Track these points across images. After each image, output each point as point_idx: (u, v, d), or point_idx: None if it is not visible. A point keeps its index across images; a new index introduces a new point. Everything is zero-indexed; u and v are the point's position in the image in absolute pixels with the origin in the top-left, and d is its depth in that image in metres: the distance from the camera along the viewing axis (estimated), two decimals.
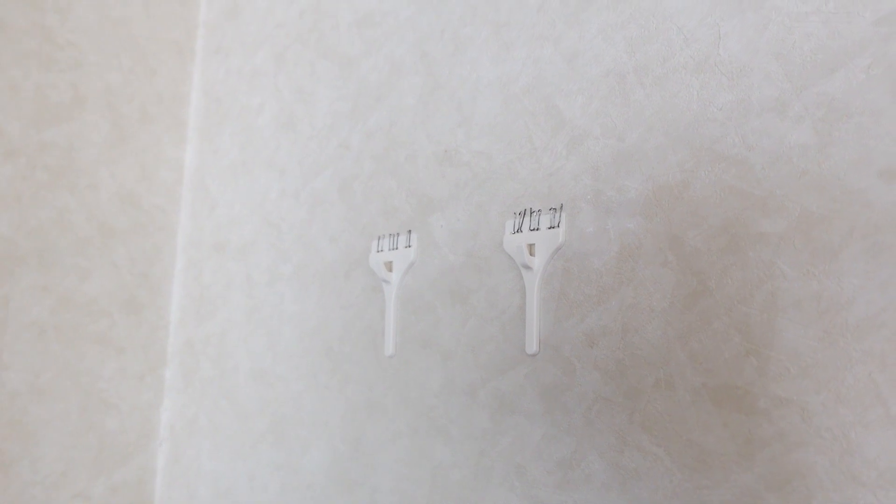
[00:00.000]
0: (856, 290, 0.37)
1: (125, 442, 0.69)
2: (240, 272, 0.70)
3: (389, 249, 0.58)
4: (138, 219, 0.73)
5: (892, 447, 0.36)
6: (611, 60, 0.48)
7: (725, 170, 0.42)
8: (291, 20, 0.73)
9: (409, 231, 0.58)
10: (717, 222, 0.42)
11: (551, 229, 0.49)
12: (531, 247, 0.49)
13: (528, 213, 0.51)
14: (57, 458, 0.66)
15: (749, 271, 0.41)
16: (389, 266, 0.58)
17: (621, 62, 0.47)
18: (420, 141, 0.59)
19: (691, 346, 0.42)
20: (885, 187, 0.37)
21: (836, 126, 0.39)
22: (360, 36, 0.65)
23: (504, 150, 0.53)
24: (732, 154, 0.42)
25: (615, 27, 0.48)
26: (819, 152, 0.39)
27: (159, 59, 0.78)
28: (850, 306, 0.37)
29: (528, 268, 0.49)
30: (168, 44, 0.79)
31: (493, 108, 0.54)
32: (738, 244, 0.41)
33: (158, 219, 0.74)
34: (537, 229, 0.50)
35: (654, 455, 0.42)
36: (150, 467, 0.71)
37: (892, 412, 0.36)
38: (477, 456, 0.49)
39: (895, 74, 0.38)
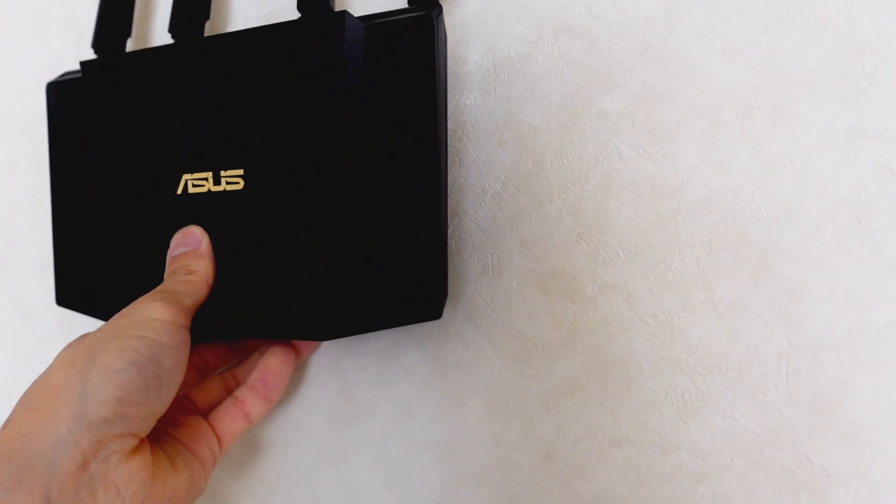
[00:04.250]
0: (690, 171, 0.36)
1: None
2: (28, 150, 0.60)
3: None
4: None
5: (712, 332, 0.35)
6: None
7: (569, 42, 0.39)
8: None
9: None
10: (557, 98, 0.39)
11: None
12: None
13: None
14: None
15: (586, 151, 0.38)
16: None
17: None
18: None
19: (521, 230, 0.39)
20: (726, 64, 0.35)
21: None
22: None
23: None
24: (577, 25, 0.39)
25: None
26: (665, 25, 0.37)
27: None
28: (684, 189, 0.36)
29: None
30: None
31: None
32: (576, 122, 0.38)
33: None
34: None
35: (476, 345, 0.40)
36: None
37: (716, 297, 0.35)
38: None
39: None
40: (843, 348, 0.32)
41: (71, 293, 0.47)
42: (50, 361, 0.55)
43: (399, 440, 0.41)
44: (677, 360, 0.35)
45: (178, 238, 0.40)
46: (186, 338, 0.35)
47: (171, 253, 0.40)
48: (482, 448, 0.39)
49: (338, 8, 0.45)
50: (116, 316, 0.34)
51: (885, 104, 0.32)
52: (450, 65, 0.42)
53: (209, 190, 0.39)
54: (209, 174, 0.39)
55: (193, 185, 0.40)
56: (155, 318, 0.33)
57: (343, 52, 0.35)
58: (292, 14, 0.45)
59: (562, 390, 0.37)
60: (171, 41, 0.45)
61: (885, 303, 0.32)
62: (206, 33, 0.49)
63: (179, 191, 0.40)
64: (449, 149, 0.41)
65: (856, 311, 0.32)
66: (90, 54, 0.54)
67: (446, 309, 0.40)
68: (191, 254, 0.39)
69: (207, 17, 0.44)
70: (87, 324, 0.54)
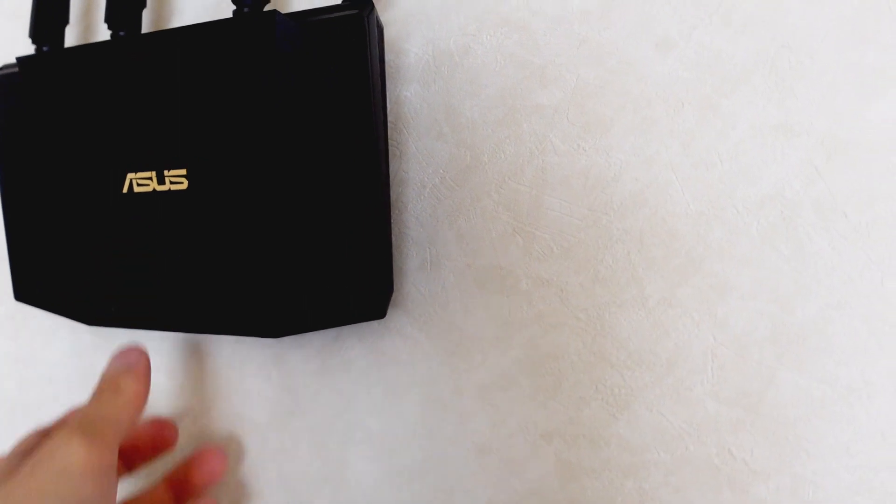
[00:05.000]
0: (622, 166, 0.35)
1: None
2: None
3: None
4: None
5: (642, 327, 0.35)
6: None
7: (507, 35, 0.38)
8: None
9: None
10: (495, 92, 0.38)
11: None
12: None
13: None
14: None
15: (522, 145, 0.38)
16: None
17: None
18: None
19: (459, 224, 0.39)
20: (659, 59, 0.35)
21: None
22: None
23: None
24: (515, 18, 0.38)
25: None
26: (600, 19, 0.36)
27: None
28: (616, 183, 0.36)
29: None
30: None
31: None
32: (514, 116, 0.38)
33: None
34: None
35: (414, 340, 0.40)
36: None
37: (646, 292, 0.35)
38: (233, 344, 0.45)
39: None
40: (766, 345, 0.32)
41: (28, 289, 0.47)
42: None
43: (339, 433, 0.41)
44: (607, 355, 0.35)
45: (116, 356, 0.38)
46: (113, 477, 0.32)
47: (105, 369, 0.37)
48: (419, 442, 0.39)
49: None
50: (33, 462, 0.31)
51: (811, 100, 0.32)
52: (390, 57, 0.41)
53: (154, 189, 0.39)
54: (153, 173, 0.39)
55: (138, 185, 0.40)
56: (75, 467, 0.30)
57: (275, 51, 0.35)
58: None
59: (496, 385, 0.38)
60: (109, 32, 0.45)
61: (808, 299, 0.32)
62: (150, 23, 0.48)
63: (125, 189, 0.40)
64: (390, 142, 0.41)
65: (779, 308, 0.32)
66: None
67: None
68: (124, 372, 0.36)
69: (144, 6, 0.44)
70: (38, 316, 0.54)
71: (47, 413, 0.52)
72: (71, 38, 0.51)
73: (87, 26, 0.52)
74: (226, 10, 0.46)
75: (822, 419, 0.32)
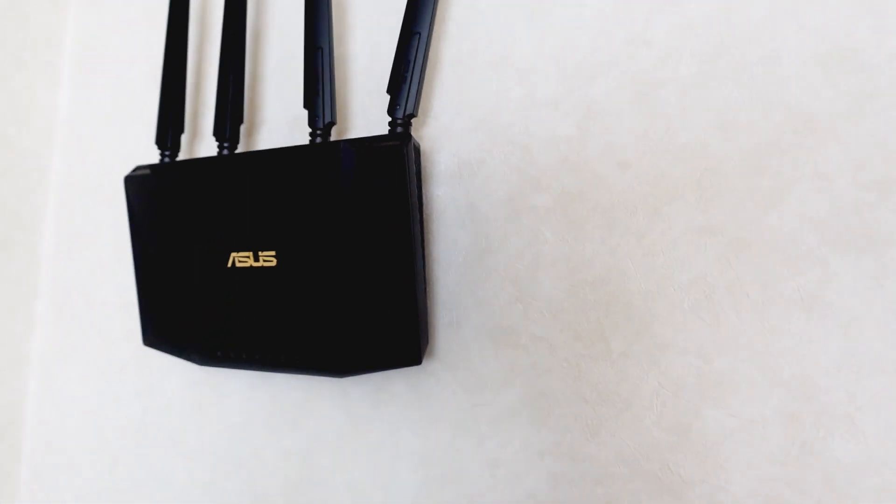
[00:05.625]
0: (594, 253, 0.48)
1: None
2: (108, 215, 0.75)
3: None
4: (10, 160, 0.76)
5: (608, 374, 0.47)
6: (432, 53, 0.56)
7: (512, 152, 0.52)
8: None
9: None
10: (503, 194, 0.52)
11: None
12: None
13: None
14: None
15: (522, 236, 0.51)
16: None
17: (440, 52, 0.56)
18: None
19: (477, 294, 0.52)
20: (620, 174, 0.48)
21: (592, 123, 0.49)
22: None
23: None
24: (518, 139, 0.51)
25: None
26: (578, 143, 0.49)
27: (32, 5, 0.80)
28: (589, 266, 0.48)
29: None
30: None
31: None
32: (516, 213, 0.51)
33: (30, 161, 0.78)
34: None
35: (444, 380, 0.53)
36: (20, 390, 0.77)
37: (611, 347, 0.47)
38: (308, 381, 0.59)
39: (636, 84, 0.48)
40: (694, 388, 0.44)
41: (153, 337, 0.62)
42: (127, 387, 0.69)
43: (389, 450, 0.54)
44: (583, 393, 0.48)
45: None
46: None
47: None
48: (448, 458, 0.52)
49: (342, 97, 0.59)
50: None
51: (726, 210, 0.44)
52: (425, 164, 0.55)
53: (251, 265, 0.54)
54: (250, 253, 0.54)
55: (239, 261, 0.54)
56: None
57: (340, 171, 0.49)
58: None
59: (504, 416, 0.50)
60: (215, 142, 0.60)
61: (723, 355, 0.44)
62: (245, 132, 0.63)
63: (229, 264, 0.55)
64: (424, 230, 0.54)
65: (703, 361, 0.44)
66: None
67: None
68: None
69: (242, 122, 0.59)
70: (157, 356, 0.69)
71: (166, 433, 0.67)
72: (184, 140, 0.66)
73: (196, 133, 0.67)
74: (301, 123, 0.60)
75: (732, 443, 0.43)
